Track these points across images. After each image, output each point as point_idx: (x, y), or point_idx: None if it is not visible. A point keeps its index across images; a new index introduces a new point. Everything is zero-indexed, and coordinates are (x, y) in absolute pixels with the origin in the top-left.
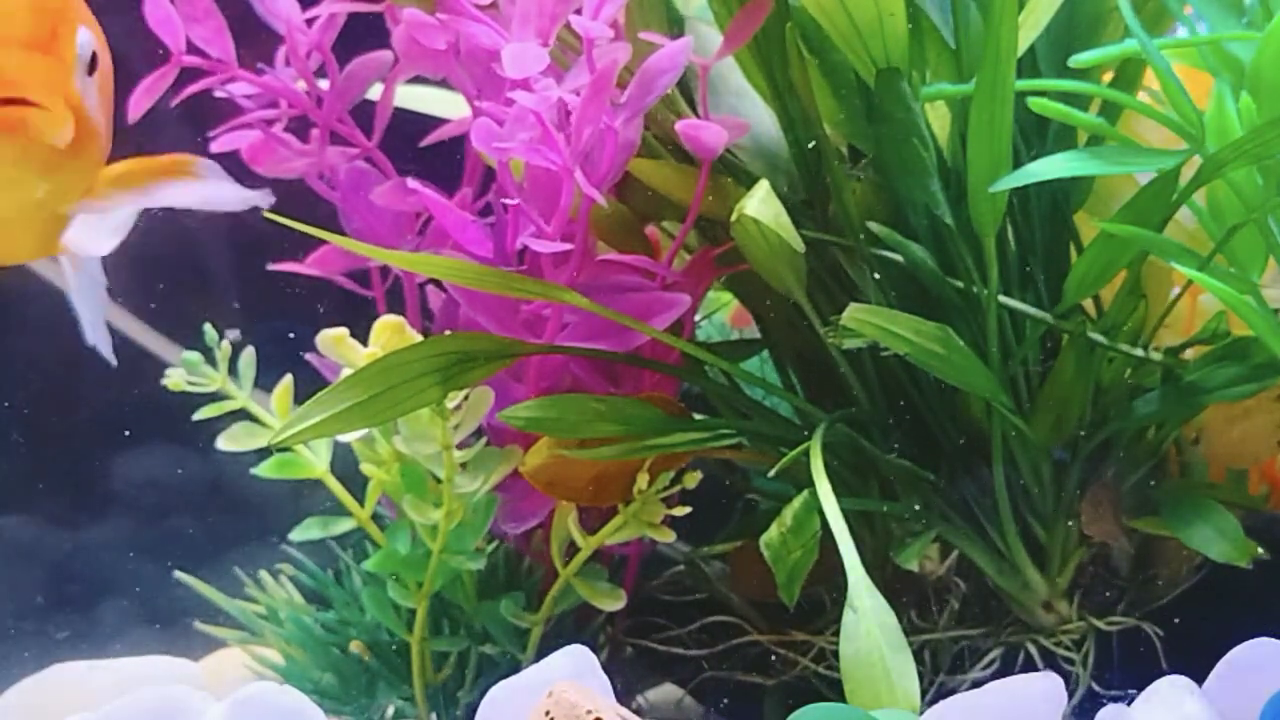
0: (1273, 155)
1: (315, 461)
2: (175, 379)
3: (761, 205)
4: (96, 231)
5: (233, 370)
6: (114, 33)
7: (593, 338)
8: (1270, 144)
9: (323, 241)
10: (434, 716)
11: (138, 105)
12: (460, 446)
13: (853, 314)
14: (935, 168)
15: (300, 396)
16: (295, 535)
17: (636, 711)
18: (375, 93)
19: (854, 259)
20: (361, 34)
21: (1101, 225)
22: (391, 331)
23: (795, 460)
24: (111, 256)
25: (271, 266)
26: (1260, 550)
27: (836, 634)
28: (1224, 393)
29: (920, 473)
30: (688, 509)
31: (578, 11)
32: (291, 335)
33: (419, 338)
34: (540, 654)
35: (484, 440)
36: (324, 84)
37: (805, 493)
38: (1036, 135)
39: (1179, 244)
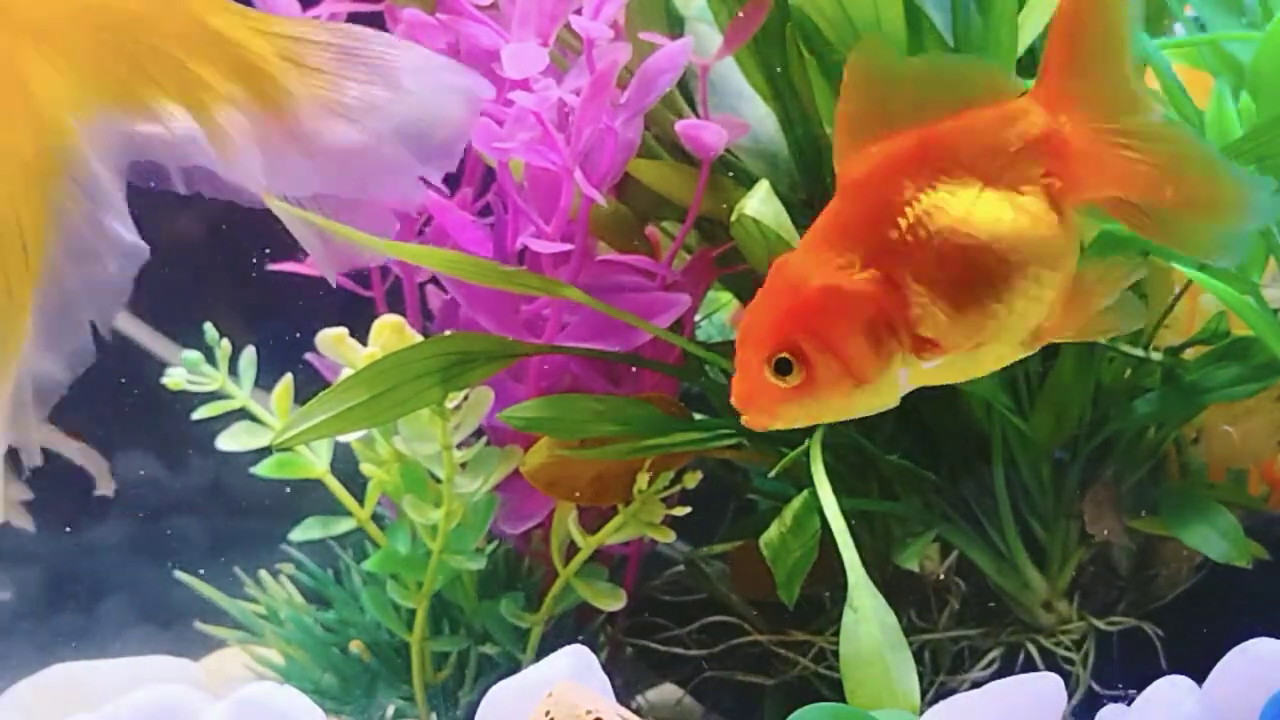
0: (1273, 155)
1: (315, 461)
2: (175, 379)
3: (761, 205)
4: None
5: (233, 370)
6: None
7: (593, 338)
8: (1270, 144)
9: None
10: (434, 716)
11: None
12: (460, 446)
13: None
14: None
15: (300, 396)
16: (295, 535)
17: (636, 711)
18: None
19: None
20: None
21: (1101, 225)
22: (391, 331)
23: (795, 460)
24: None
25: (271, 266)
26: (1261, 550)
27: (836, 634)
28: (1224, 393)
29: (920, 473)
30: (688, 509)
31: (578, 11)
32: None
33: (419, 338)
34: (540, 654)
35: (484, 440)
36: None
37: (805, 493)
38: None
39: None
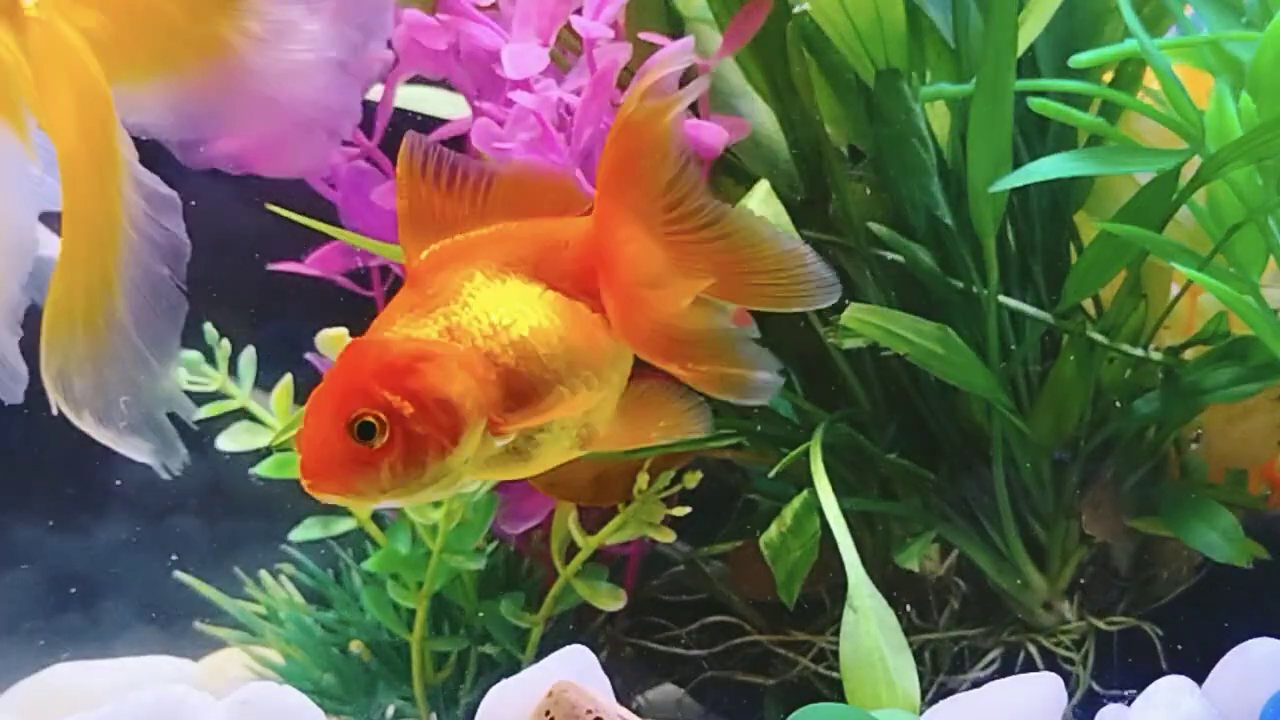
0: (1273, 155)
1: None
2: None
3: (761, 205)
4: None
5: (233, 370)
6: None
7: None
8: (1270, 144)
9: (323, 241)
10: (434, 716)
11: None
12: None
13: (853, 314)
14: (935, 168)
15: (300, 396)
16: (295, 535)
17: (636, 711)
18: (375, 93)
19: (854, 259)
20: None
21: (1101, 225)
22: None
23: (795, 460)
24: None
25: (271, 266)
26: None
27: (836, 634)
28: (1224, 393)
29: (920, 473)
30: (688, 509)
31: (578, 11)
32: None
33: None
34: (540, 654)
35: None
36: None
37: (805, 493)
38: (1036, 135)
39: (1179, 244)
